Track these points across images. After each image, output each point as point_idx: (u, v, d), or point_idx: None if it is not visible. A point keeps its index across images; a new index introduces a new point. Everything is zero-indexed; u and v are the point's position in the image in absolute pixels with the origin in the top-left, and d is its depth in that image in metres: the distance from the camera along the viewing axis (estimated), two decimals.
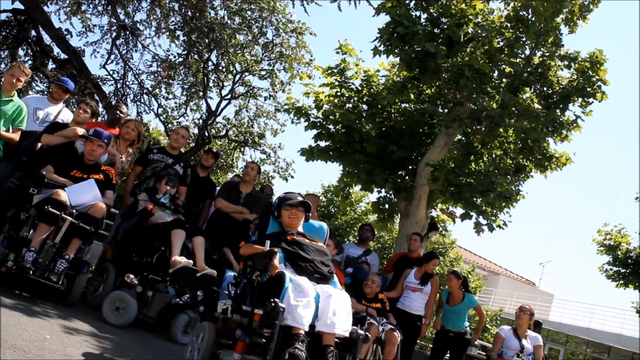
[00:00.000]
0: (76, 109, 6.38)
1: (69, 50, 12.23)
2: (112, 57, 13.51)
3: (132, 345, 4.71)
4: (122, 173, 6.50)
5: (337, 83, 10.09)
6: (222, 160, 15.80)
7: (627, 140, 60.23)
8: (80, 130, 5.84)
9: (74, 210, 5.12)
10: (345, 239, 17.87)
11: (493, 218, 9.18)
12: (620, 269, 14.54)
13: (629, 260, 14.36)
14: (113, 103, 12.34)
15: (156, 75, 14.17)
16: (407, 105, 10.37)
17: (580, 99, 9.31)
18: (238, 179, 7.72)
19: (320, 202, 8.41)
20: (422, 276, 6.89)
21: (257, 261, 3.81)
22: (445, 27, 8.86)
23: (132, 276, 5.19)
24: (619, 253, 14.49)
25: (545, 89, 9.41)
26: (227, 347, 3.86)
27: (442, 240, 18.67)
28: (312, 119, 10.15)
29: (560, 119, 9.28)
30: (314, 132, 10.05)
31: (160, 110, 14.69)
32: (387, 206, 10.59)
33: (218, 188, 7.51)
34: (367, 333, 3.87)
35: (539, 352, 6.57)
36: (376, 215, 11.06)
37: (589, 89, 9.17)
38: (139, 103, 14.36)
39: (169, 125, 14.76)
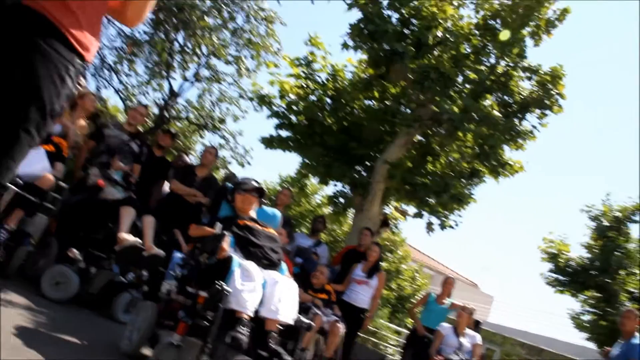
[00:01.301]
0: None
1: None
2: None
3: (69, 321, 4.58)
4: (74, 146, 6.30)
5: (303, 75, 10.07)
6: (180, 142, 15.56)
7: (577, 153, 62.18)
8: None
9: (20, 180, 4.93)
10: (299, 230, 17.89)
11: (444, 218, 9.35)
12: (559, 276, 15.06)
13: (569, 269, 14.88)
14: None
15: (119, 51, 13.82)
16: (370, 102, 10.42)
17: (538, 110, 9.54)
18: (182, 161, 7.66)
19: (292, 196, 8.44)
20: (369, 269, 6.94)
21: (206, 243, 3.76)
22: (415, 28, 8.93)
23: (75, 251, 5.04)
24: (560, 261, 14.99)
25: (506, 97, 9.61)
26: (168, 328, 3.80)
27: (393, 238, 18.90)
28: (275, 108, 10.10)
29: (518, 128, 9.49)
30: (276, 121, 10.00)
31: (120, 86, 14.35)
32: (342, 200, 10.64)
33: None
34: (310, 322, 3.87)
35: (477, 351, 6.71)
36: (331, 208, 11.10)
37: (547, 101, 9.41)
38: (98, 77, 13.99)
39: (128, 102, 14.44)
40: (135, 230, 5.47)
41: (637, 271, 13.90)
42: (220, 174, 15.19)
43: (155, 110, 14.77)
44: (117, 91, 14.32)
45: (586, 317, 14.47)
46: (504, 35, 9.07)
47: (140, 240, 5.23)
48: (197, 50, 14.25)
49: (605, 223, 14.93)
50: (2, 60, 1.38)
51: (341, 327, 5.77)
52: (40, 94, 1.41)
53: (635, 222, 14.90)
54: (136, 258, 5.23)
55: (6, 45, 1.39)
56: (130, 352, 3.89)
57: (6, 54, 1.39)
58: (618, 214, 14.97)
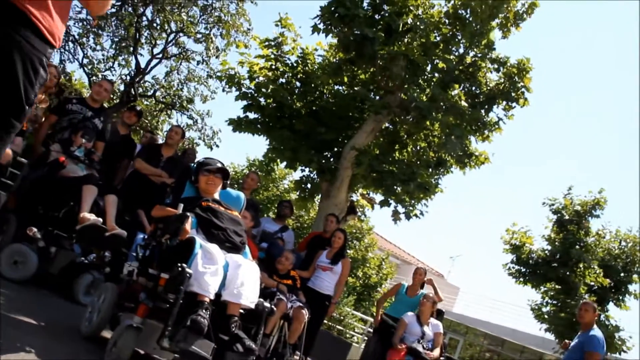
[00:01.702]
0: None
1: None
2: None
3: (27, 302, 4.49)
4: (34, 120, 6.12)
5: (272, 56, 9.98)
6: (147, 121, 15.31)
7: (542, 147, 63.52)
8: None
9: None
10: (265, 215, 17.88)
11: (411, 208, 9.44)
12: (521, 268, 15.42)
13: (530, 261, 15.24)
14: None
15: (85, 23, 13.46)
16: (340, 87, 10.41)
17: (504, 102, 9.68)
18: (148, 138, 7.55)
19: (260, 180, 8.40)
20: (334, 256, 6.97)
21: (168, 224, 3.71)
22: (386, 14, 8.93)
23: (35, 230, 4.92)
24: (522, 253, 15.33)
25: (473, 88, 9.71)
26: (128, 310, 3.75)
27: (360, 225, 19.02)
28: (243, 90, 9.99)
29: (484, 119, 9.62)
30: (244, 103, 9.90)
31: (85, 60, 14.00)
32: (309, 186, 10.64)
33: (138, 148, 7.25)
34: (273, 307, 3.87)
35: (439, 339, 6.83)
36: (298, 193, 11.09)
37: (513, 94, 9.55)
38: (62, 50, 13.61)
39: (94, 77, 14.11)
40: (97, 209, 5.36)
41: (596, 265, 14.31)
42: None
43: (122, 87, 14.48)
44: (81, 65, 13.98)
45: (546, 309, 14.85)
46: (492, 34, 9.18)
47: (101, 220, 5.14)
48: (166, 26, 14.00)
49: (566, 217, 15.29)
50: None
51: (305, 313, 5.79)
52: (17, 86, 1.54)
53: (595, 216, 15.30)
54: (97, 238, 5.14)
55: None
56: (90, 334, 3.84)
57: None
58: (579, 207, 15.35)
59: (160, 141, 7.59)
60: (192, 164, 4.43)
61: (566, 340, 6.70)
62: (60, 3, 1.66)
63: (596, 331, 5.92)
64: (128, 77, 14.49)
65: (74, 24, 13.52)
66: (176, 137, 7.01)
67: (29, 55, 1.57)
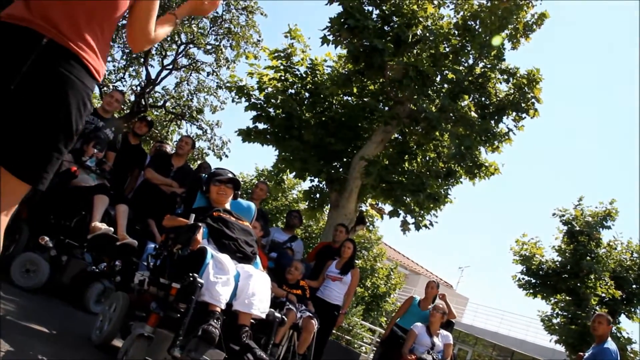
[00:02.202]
0: None
1: None
2: None
3: (39, 310, 4.51)
4: None
5: (282, 67, 10.03)
6: (157, 131, 15.41)
7: (553, 158, 63.26)
8: None
9: None
10: (274, 225, 17.89)
11: (420, 218, 9.42)
12: (531, 279, 15.31)
13: (540, 272, 15.14)
14: None
15: None
16: (349, 98, 10.44)
17: (514, 113, 9.66)
18: (158, 148, 7.59)
19: (269, 190, 8.40)
20: (343, 266, 6.96)
21: (179, 234, 3.73)
22: (396, 25, 8.96)
23: (47, 238, 4.95)
24: (532, 264, 15.24)
25: (483, 99, 9.70)
26: (139, 319, 3.76)
27: (368, 236, 18.98)
28: (253, 100, 10.05)
29: (494, 130, 9.60)
30: (254, 113, 9.95)
31: None
32: (318, 196, 10.65)
33: (149, 158, 7.30)
34: (283, 317, 3.87)
35: (449, 350, 6.79)
36: (307, 203, 11.10)
37: (523, 105, 9.53)
38: None
39: (104, 88, 14.22)
40: (108, 218, 5.40)
41: (607, 276, 14.18)
42: (196, 165, 15.11)
43: (132, 98, 14.59)
44: None
45: (556, 320, 14.73)
46: (496, 40, 9.18)
47: (112, 229, 5.17)
48: (176, 38, 14.12)
49: (577, 227, 15.19)
50: (38, 90, 1.71)
51: (315, 323, 5.78)
52: (70, 120, 1.77)
53: (606, 227, 15.19)
54: (108, 247, 5.17)
55: (43, 78, 1.72)
56: (101, 342, 3.85)
57: (42, 86, 1.72)
58: (589, 219, 15.24)
59: (169, 150, 7.63)
60: (203, 175, 4.45)
61: (580, 353, 6.63)
62: (102, 46, 1.90)
63: (610, 344, 5.86)
64: (138, 88, 14.62)
65: None
66: (186, 147, 7.05)
67: (80, 91, 1.80)
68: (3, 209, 1.80)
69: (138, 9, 1.98)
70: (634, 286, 14.54)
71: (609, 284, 13.99)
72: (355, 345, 13.32)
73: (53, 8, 1.78)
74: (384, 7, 9.05)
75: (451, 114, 8.92)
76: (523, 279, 15.42)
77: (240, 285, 3.55)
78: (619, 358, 5.87)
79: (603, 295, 14.05)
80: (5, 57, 1.70)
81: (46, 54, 1.74)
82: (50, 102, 1.74)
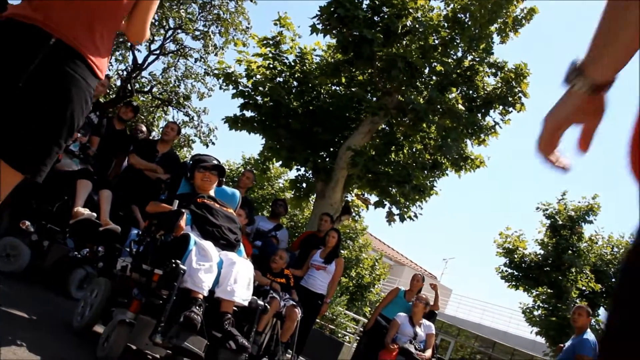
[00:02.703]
0: None
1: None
2: None
3: (20, 295, 4.46)
4: None
5: (270, 55, 9.97)
6: (143, 117, 15.27)
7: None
8: None
9: None
10: (260, 213, 17.87)
11: (405, 209, 9.45)
12: (514, 271, 15.49)
13: (523, 265, 15.32)
14: None
15: None
16: (337, 87, 10.41)
17: (501, 107, 9.71)
18: (140, 131, 7.51)
19: (255, 179, 8.35)
20: (327, 255, 6.97)
21: (163, 220, 3.70)
22: (385, 16, 8.93)
23: (28, 223, 4.88)
24: (515, 257, 15.40)
25: (470, 92, 9.74)
26: (121, 305, 3.74)
27: (354, 226, 19.02)
28: (240, 88, 9.98)
29: (481, 123, 9.65)
30: (241, 101, 9.89)
31: None
32: (304, 185, 10.64)
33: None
34: (266, 305, 3.87)
35: (431, 340, 6.84)
36: (293, 192, 11.09)
37: (510, 99, 9.58)
38: None
39: None
40: (91, 204, 5.34)
41: (588, 270, 14.39)
42: (183, 153, 15.00)
43: (118, 82, 14.44)
44: None
45: (537, 312, 14.91)
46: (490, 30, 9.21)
47: (95, 215, 5.12)
48: (164, 23, 13.97)
49: (560, 222, 15.37)
50: (45, 88, 1.79)
51: (298, 312, 5.79)
52: (73, 116, 1.86)
53: (588, 222, 15.38)
54: (91, 232, 5.12)
55: (50, 77, 1.80)
56: (82, 328, 3.83)
57: (49, 84, 1.80)
58: (572, 213, 15.42)
59: (144, 130, 7.56)
60: (188, 161, 4.42)
61: (560, 345, 6.73)
62: (106, 45, 1.99)
63: (589, 335, 5.95)
64: (125, 73, 14.46)
65: None
66: (172, 134, 6.99)
67: (83, 90, 1.88)
68: None
69: (140, 8, 2.06)
70: (613, 280, 14.77)
71: (589, 278, 14.19)
72: (339, 335, 13.38)
73: (59, 9, 1.86)
74: None
75: (439, 106, 8.93)
76: (506, 271, 15.60)
77: (223, 272, 3.54)
78: (597, 348, 5.96)
79: (583, 288, 14.25)
80: (14, 55, 1.78)
81: (54, 53, 1.82)
82: (56, 99, 1.82)
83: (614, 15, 1.03)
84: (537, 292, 14.99)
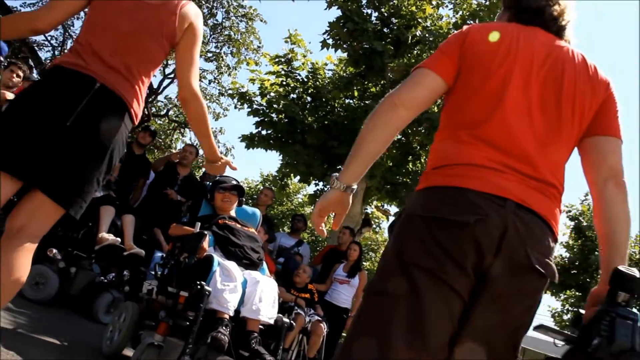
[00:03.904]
0: (6, 72, 6.02)
1: (3, 9, 11.60)
2: None
3: (49, 322, 4.54)
4: None
5: (283, 72, 10.07)
6: (160, 140, 15.46)
7: None
8: (9, 95, 5.53)
9: None
10: (280, 230, 17.91)
11: None
12: None
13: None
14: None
15: None
16: (350, 101, 10.47)
17: None
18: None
19: (274, 195, 8.39)
20: (350, 269, 6.97)
21: (186, 243, 3.75)
22: (395, 27, 8.99)
23: (55, 251, 4.98)
24: None
25: None
26: (149, 328, 3.79)
27: (375, 238, 18.98)
28: (255, 106, 10.08)
29: None
30: (256, 119, 9.99)
31: None
32: None
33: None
34: (292, 322, 3.89)
35: None
36: (312, 207, 11.12)
37: None
38: None
39: None
40: (115, 229, 5.43)
41: None
42: (201, 173, 15.14)
43: None
44: None
45: (567, 317, 14.70)
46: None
47: (119, 240, 5.20)
48: None
49: (584, 223, 15.16)
50: (89, 128, 1.93)
51: (324, 327, 5.79)
52: (112, 156, 2.00)
53: None
54: (116, 257, 5.20)
55: (91, 117, 1.93)
56: (112, 352, 3.87)
57: (93, 125, 1.94)
58: None
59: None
60: (208, 183, 4.48)
61: None
62: (142, 90, 2.14)
63: None
64: None
65: None
66: (190, 157, 7.07)
67: (121, 132, 2.03)
68: (37, 233, 1.97)
69: (178, 58, 2.21)
70: None
71: None
72: None
73: (104, 60, 2.02)
74: (382, 10, 9.09)
75: None
76: None
77: (247, 291, 3.57)
78: None
79: None
80: (63, 98, 1.93)
81: (98, 97, 1.97)
82: (99, 140, 1.96)
83: (362, 134, 1.60)
84: (565, 296, 14.76)
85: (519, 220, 1.42)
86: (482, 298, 1.42)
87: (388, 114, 1.56)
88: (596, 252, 14.44)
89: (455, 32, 1.68)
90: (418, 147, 9.98)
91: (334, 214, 1.70)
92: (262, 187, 20.22)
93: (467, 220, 1.39)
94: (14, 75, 5.85)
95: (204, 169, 8.86)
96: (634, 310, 1.38)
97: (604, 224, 1.58)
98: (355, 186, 1.61)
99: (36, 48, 12.73)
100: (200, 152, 14.64)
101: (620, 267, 1.42)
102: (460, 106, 1.58)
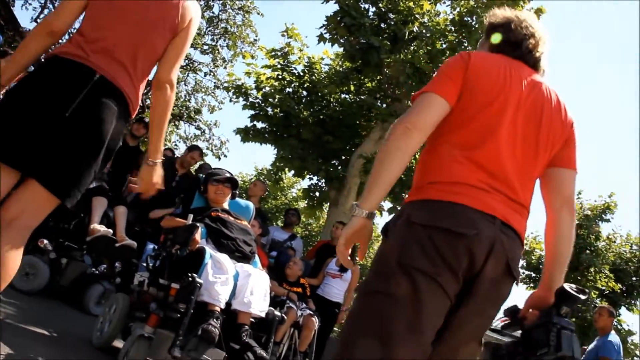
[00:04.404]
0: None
1: (6, 10, 11.50)
2: (46, 11, 12.84)
3: (39, 313, 4.52)
4: None
5: (279, 66, 10.04)
6: None
7: None
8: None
9: None
10: (274, 224, 17.90)
11: None
12: (531, 273, 15.36)
13: (540, 266, 15.19)
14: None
15: None
16: (346, 96, 10.45)
17: None
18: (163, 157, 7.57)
19: (266, 189, 8.35)
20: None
21: (178, 235, 3.73)
22: (392, 23, 8.97)
23: (46, 241, 4.94)
24: (532, 258, 15.28)
25: None
26: (139, 320, 3.77)
27: None
28: (251, 100, 10.06)
29: None
30: (252, 112, 9.96)
31: None
32: (317, 194, 10.66)
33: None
34: (283, 315, 3.88)
35: None
36: (306, 201, 11.11)
37: None
38: None
39: None
40: (107, 220, 5.39)
41: (607, 269, 14.24)
42: (196, 166, 15.11)
43: None
44: None
45: None
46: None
47: (111, 231, 5.17)
48: None
49: (576, 221, 15.25)
50: (88, 119, 1.94)
51: (315, 321, 5.79)
52: (109, 147, 2.01)
53: (605, 220, 15.23)
54: (107, 249, 5.16)
55: (89, 108, 1.94)
56: (102, 344, 3.86)
57: (92, 115, 1.95)
58: (588, 212, 15.29)
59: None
60: (201, 175, 4.46)
61: (583, 346, 6.68)
62: (141, 82, 2.17)
63: (613, 336, 5.88)
64: None
65: None
66: (192, 162, 7.07)
67: (120, 128, 2.05)
68: (30, 224, 1.94)
69: (169, 48, 2.20)
70: (633, 279, 14.60)
71: (608, 277, 14.03)
72: None
73: (104, 51, 2.03)
74: (380, 5, 9.07)
75: None
76: (523, 273, 15.49)
77: (239, 284, 3.56)
78: (620, 351, 5.90)
79: (603, 288, 14.10)
80: (63, 88, 1.94)
81: (97, 88, 1.98)
82: (97, 131, 1.97)
83: (379, 160, 1.67)
84: None
85: (504, 236, 1.64)
86: (468, 300, 1.63)
87: (403, 139, 1.67)
88: (587, 251, 14.52)
89: (456, 55, 1.83)
90: None
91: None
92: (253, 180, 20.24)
93: (467, 233, 1.57)
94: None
95: (199, 163, 8.85)
96: (570, 321, 1.71)
97: (554, 243, 1.89)
98: (376, 212, 1.71)
99: None
100: (196, 144, 14.57)
101: (566, 286, 1.72)
102: (457, 128, 1.73)
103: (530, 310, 1.83)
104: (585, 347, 6.45)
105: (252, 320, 3.65)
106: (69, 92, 1.93)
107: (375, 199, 1.68)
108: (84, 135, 1.94)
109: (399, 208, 9.17)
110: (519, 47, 1.89)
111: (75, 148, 1.94)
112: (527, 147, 1.77)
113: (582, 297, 1.71)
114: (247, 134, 10.01)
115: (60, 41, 2.22)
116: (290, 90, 10.23)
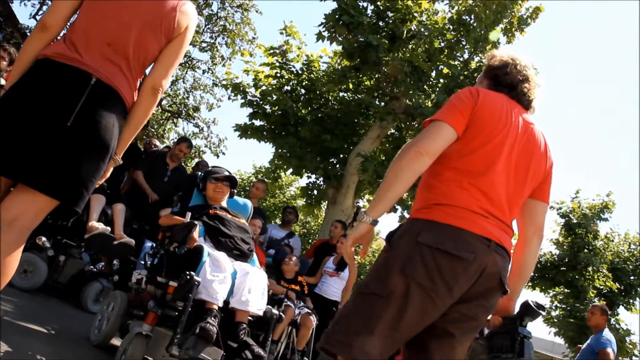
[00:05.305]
0: None
1: (5, 7, 11.48)
2: (45, 7, 12.81)
3: (37, 310, 4.52)
4: None
5: (277, 64, 10.04)
6: (153, 130, 15.39)
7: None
8: (1, 81, 5.46)
9: None
10: (273, 222, 17.91)
11: None
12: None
13: (539, 265, 15.21)
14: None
15: None
16: (344, 94, 10.45)
17: None
18: (148, 143, 7.57)
19: (267, 189, 8.36)
20: (340, 262, 6.97)
21: (176, 232, 3.73)
22: (390, 21, 8.97)
23: (44, 239, 4.94)
24: None
25: None
26: (137, 318, 3.77)
27: None
28: (249, 98, 10.05)
29: None
30: (250, 110, 9.96)
31: None
32: (315, 192, 10.67)
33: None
34: (281, 314, 3.89)
35: None
36: (304, 200, 11.12)
37: None
38: None
39: None
40: (105, 217, 5.39)
41: (605, 268, 14.26)
42: (193, 164, 15.10)
43: None
44: None
45: (555, 313, 14.79)
46: (494, 36, 9.16)
47: (109, 229, 5.17)
48: None
49: (574, 220, 15.25)
50: (90, 123, 1.93)
51: (313, 320, 5.80)
52: (112, 152, 2.04)
53: (603, 219, 15.25)
54: (105, 246, 5.16)
55: (90, 114, 1.93)
56: (100, 342, 3.86)
57: (90, 122, 1.93)
58: (587, 211, 15.30)
59: (158, 144, 7.62)
60: (200, 173, 4.46)
61: (579, 345, 6.71)
62: (136, 82, 2.14)
63: (605, 333, 5.93)
64: None
65: None
66: (180, 155, 7.01)
67: (119, 126, 2.04)
68: (30, 225, 1.93)
69: (164, 52, 2.18)
70: (631, 278, 14.61)
71: (606, 276, 14.05)
72: None
73: (101, 51, 2.02)
74: (378, 3, 9.07)
75: None
76: None
77: (237, 282, 3.57)
78: (614, 346, 5.92)
79: (601, 287, 14.11)
80: (60, 96, 1.91)
81: (95, 93, 1.96)
82: (101, 137, 1.96)
83: (390, 177, 1.94)
84: (554, 293, 14.85)
85: (498, 255, 1.93)
86: (463, 311, 1.91)
87: (416, 163, 1.92)
88: (585, 250, 14.54)
89: (466, 91, 2.08)
90: None
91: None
92: (254, 179, 20.22)
93: (467, 258, 1.84)
94: (1, 60, 5.72)
95: (196, 160, 8.84)
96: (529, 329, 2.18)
97: (521, 263, 2.17)
98: (379, 220, 1.98)
99: (28, 33, 12.58)
100: (194, 142, 14.54)
101: (530, 302, 2.14)
102: (462, 156, 1.99)
103: (493, 316, 2.16)
104: (581, 346, 6.48)
105: (250, 318, 3.65)
106: (66, 100, 1.91)
107: (381, 210, 1.95)
108: (88, 143, 1.93)
109: (397, 207, 9.18)
110: (514, 89, 2.18)
111: (83, 157, 1.93)
112: (519, 178, 2.05)
113: (543, 312, 2.13)
114: (245, 131, 10.01)
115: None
116: (289, 88, 10.23)
